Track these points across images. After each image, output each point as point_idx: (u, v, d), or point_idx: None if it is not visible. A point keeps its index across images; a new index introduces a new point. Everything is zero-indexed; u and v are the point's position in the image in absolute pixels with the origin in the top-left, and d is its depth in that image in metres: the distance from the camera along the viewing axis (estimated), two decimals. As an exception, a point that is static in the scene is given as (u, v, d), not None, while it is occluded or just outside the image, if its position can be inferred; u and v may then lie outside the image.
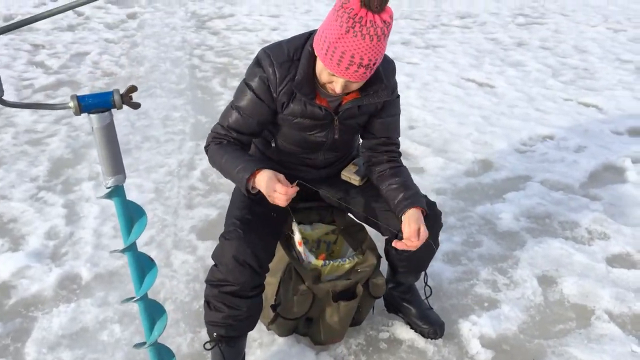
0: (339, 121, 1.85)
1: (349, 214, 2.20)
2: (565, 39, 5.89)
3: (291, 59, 1.75)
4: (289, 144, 1.95)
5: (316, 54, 1.66)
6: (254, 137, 1.92)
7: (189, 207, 3.00)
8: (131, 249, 1.40)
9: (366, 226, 2.15)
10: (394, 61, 1.91)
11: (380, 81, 1.77)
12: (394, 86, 1.88)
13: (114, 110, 1.30)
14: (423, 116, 4.10)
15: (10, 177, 3.24)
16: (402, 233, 1.81)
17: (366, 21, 1.51)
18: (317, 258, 2.03)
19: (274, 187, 1.67)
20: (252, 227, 1.84)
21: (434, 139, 3.79)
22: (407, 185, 1.91)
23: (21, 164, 3.39)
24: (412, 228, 1.77)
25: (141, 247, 2.70)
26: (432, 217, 1.96)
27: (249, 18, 6.60)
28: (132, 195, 3.08)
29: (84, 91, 4.41)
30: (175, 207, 2.99)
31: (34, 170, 3.31)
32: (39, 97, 4.27)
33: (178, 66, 5.00)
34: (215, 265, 1.81)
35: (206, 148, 1.92)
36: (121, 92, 1.29)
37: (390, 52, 5.28)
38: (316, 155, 1.99)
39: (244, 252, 1.75)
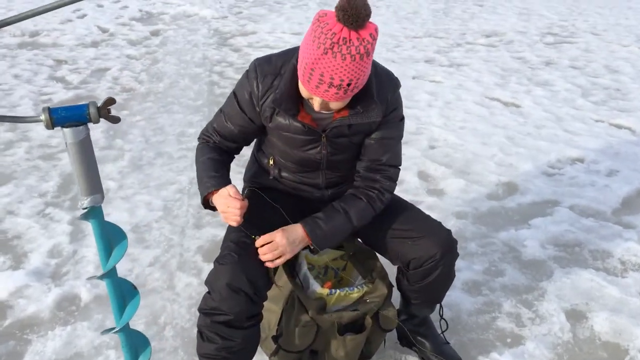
0: (327, 139, 1.73)
1: (358, 239, 2.06)
2: (596, 58, 5.68)
3: (277, 72, 1.68)
4: (287, 161, 1.84)
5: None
6: (236, 144, 1.88)
7: (197, 227, 2.89)
8: (110, 275, 1.29)
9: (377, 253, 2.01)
10: (398, 79, 1.78)
11: (371, 98, 1.64)
12: (391, 105, 1.74)
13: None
14: (444, 136, 3.95)
15: (19, 192, 3.19)
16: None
17: (339, 38, 1.39)
18: (322, 286, 1.89)
19: (227, 204, 1.65)
20: (249, 251, 1.71)
21: (456, 159, 3.63)
22: (330, 208, 1.77)
23: (32, 179, 3.34)
24: (269, 236, 1.68)
25: (144, 268, 2.62)
26: (447, 247, 1.81)
27: (271, 35, 6.56)
28: (140, 212, 2.99)
29: (102, 106, 4.37)
30: (183, 227, 2.88)
31: (44, 186, 3.25)
32: (56, 112, 4.24)
33: (197, 82, 4.95)
34: (208, 292, 1.68)
35: (198, 140, 1.92)
36: (98, 104, 1.18)
37: (413, 70, 5.18)
38: (316, 174, 1.87)
39: (238, 279, 1.62)
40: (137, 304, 1.34)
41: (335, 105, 1.57)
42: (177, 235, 2.82)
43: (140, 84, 4.93)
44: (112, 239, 1.27)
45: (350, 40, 1.40)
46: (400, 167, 1.86)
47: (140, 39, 6.27)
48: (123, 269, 2.54)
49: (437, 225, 1.86)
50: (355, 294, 1.89)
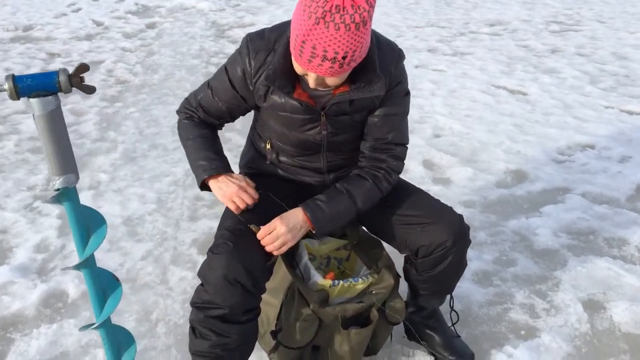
0: (326, 117, 1.59)
1: (362, 227, 1.92)
2: (603, 45, 5.53)
3: (271, 47, 1.54)
4: (285, 144, 1.71)
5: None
6: (220, 121, 1.76)
7: (192, 219, 2.75)
8: (87, 264, 1.15)
9: (382, 242, 1.87)
10: (402, 50, 1.64)
11: (373, 71, 1.50)
12: (395, 79, 1.60)
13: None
14: (450, 124, 3.80)
15: (6, 185, 3.06)
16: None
17: (332, 6, 1.25)
18: (324, 277, 1.75)
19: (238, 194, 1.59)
20: (245, 239, 1.58)
21: (462, 147, 3.49)
22: (332, 189, 1.64)
23: (20, 172, 3.21)
24: (268, 226, 1.57)
25: (136, 262, 2.48)
26: (459, 233, 1.67)
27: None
28: (132, 206, 2.86)
29: (94, 99, 4.25)
30: (177, 219, 2.75)
31: (32, 179, 3.12)
32: (48, 105, 4.11)
33: (193, 74, 4.82)
34: (201, 284, 1.55)
35: (178, 113, 1.79)
36: (70, 72, 1.05)
37: (415, 59, 5.04)
38: (317, 157, 1.73)
39: (234, 269, 1.49)
40: (119, 297, 1.20)
41: (331, 81, 1.43)
42: (171, 227, 2.69)
43: (135, 75, 4.79)
44: (89, 224, 1.14)
45: (344, 8, 1.25)
46: (407, 145, 1.73)
47: (136, 31, 6.14)
48: (113, 263, 2.41)
49: (448, 210, 1.72)
50: (360, 285, 1.76)
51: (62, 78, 1.02)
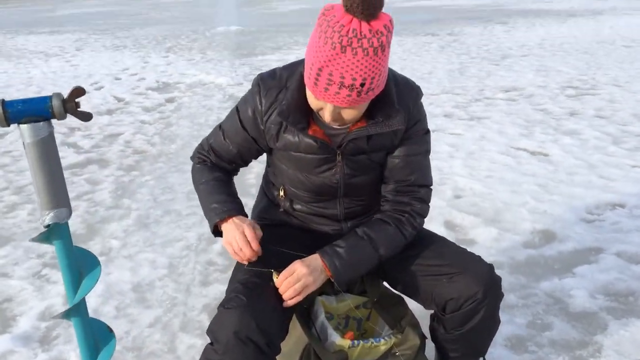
0: (343, 157, 1.50)
1: (383, 282, 1.78)
2: (623, 107, 5.46)
3: (283, 85, 1.48)
4: (299, 189, 1.61)
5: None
6: (233, 165, 1.68)
7: (203, 284, 2.62)
8: (78, 312, 1.03)
9: (406, 298, 1.73)
10: (420, 88, 1.57)
11: (391, 106, 1.43)
12: (414, 117, 1.52)
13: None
14: (470, 185, 3.69)
15: (16, 253, 2.99)
16: None
17: (348, 31, 1.19)
18: (343, 337, 1.60)
19: (238, 245, 1.50)
20: (260, 294, 1.46)
21: (484, 208, 3.36)
22: (352, 235, 1.54)
23: (29, 241, 3.13)
24: (287, 270, 1.47)
25: (143, 329, 2.32)
26: (490, 284, 1.54)
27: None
28: (143, 271, 2.76)
29: (112, 169, 4.25)
30: (189, 284, 2.62)
31: (43, 247, 3.03)
32: (65, 175, 4.11)
33: (210, 143, 4.83)
34: (210, 343, 1.41)
35: (191, 159, 1.73)
36: (64, 96, 0.98)
37: (432, 124, 4.97)
38: (333, 203, 1.62)
39: (247, 326, 1.36)
40: (112, 350, 1.07)
41: (348, 114, 1.36)
42: (182, 293, 2.56)
43: (153, 146, 4.82)
44: (81, 265, 1.03)
45: (361, 32, 1.20)
46: (431, 186, 1.63)
47: (155, 105, 6.26)
48: (119, 331, 2.27)
49: (477, 259, 1.59)
50: (383, 345, 1.60)
51: (56, 103, 0.96)
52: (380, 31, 1.22)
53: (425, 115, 1.58)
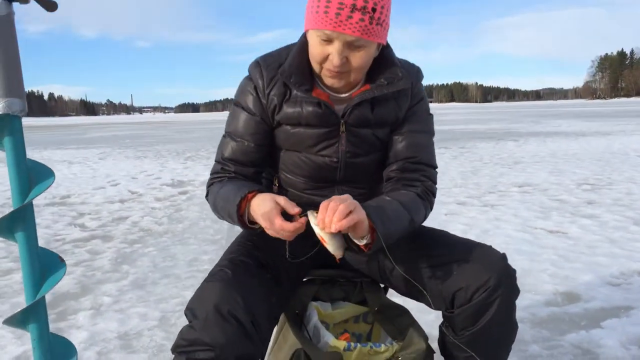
0: (346, 128, 1.42)
1: (383, 288, 1.60)
2: (641, 198, 5.33)
3: (282, 60, 1.43)
4: (295, 174, 1.50)
5: (305, 26, 1.34)
6: (255, 167, 1.50)
7: (195, 332, 2.40)
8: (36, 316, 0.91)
9: (411, 306, 1.54)
10: (420, 68, 1.53)
11: (395, 70, 1.40)
12: (416, 94, 1.48)
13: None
14: (486, 255, 3.49)
15: (2, 308, 2.82)
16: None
17: None
18: (338, 338, 1.40)
19: (273, 222, 1.22)
20: (246, 270, 1.31)
21: (502, 273, 3.14)
22: (372, 200, 1.36)
23: (20, 297, 2.98)
24: (323, 206, 1.19)
25: (124, 369, 2.11)
26: (503, 272, 1.37)
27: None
28: (131, 322, 2.58)
29: (115, 242, 4.15)
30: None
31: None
32: (66, 247, 4.02)
33: (218, 223, 4.73)
34: (189, 323, 1.24)
35: (207, 197, 1.52)
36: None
37: (444, 209, 4.90)
38: (330, 191, 1.50)
39: (229, 299, 1.20)
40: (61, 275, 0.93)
41: (356, 58, 1.30)
42: (170, 341, 2.32)
43: (159, 225, 4.74)
44: (31, 174, 0.92)
45: None
46: (437, 169, 1.52)
47: (167, 196, 6.28)
48: (96, 369, 2.04)
49: (487, 247, 1.43)
50: (384, 352, 1.40)
51: None
52: None
53: (427, 99, 1.53)
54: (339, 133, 1.43)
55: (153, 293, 2.99)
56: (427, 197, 1.45)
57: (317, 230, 1.20)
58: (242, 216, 1.32)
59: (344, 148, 1.45)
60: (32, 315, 0.93)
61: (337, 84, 1.37)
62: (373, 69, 1.40)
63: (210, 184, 1.52)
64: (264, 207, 1.25)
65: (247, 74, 1.49)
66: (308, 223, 1.22)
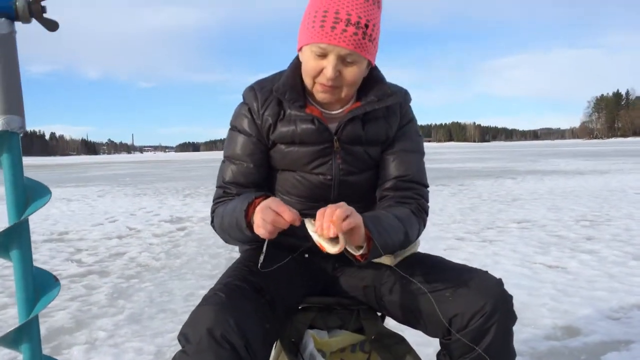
0: (340, 144, 1.46)
1: (380, 316, 1.60)
2: (640, 234, 5.33)
3: (276, 81, 1.49)
4: (290, 195, 1.53)
5: (299, 44, 1.40)
6: (258, 188, 1.51)
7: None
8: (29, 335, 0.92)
9: (408, 330, 1.53)
10: (408, 92, 1.59)
11: (385, 88, 1.47)
12: (404, 115, 1.55)
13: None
14: (485, 289, 3.47)
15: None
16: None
17: None
18: (333, 365, 1.39)
19: (269, 206, 1.20)
20: (242, 295, 1.31)
21: (501, 307, 3.11)
22: (368, 213, 1.36)
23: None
24: (319, 213, 1.18)
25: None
26: (499, 297, 1.38)
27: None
28: (126, 357, 2.53)
29: (111, 278, 4.12)
30: (174, 366, 2.37)
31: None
32: (62, 283, 3.99)
33: (216, 258, 4.73)
34: (182, 347, 1.23)
35: (212, 224, 1.54)
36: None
37: (443, 244, 4.89)
38: None
39: (223, 323, 1.20)
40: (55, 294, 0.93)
41: (349, 72, 1.35)
42: (166, 375, 2.31)
43: (157, 261, 4.72)
44: (29, 193, 0.94)
45: None
46: (429, 188, 1.54)
47: (165, 232, 6.27)
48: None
49: (483, 272, 1.44)
50: (379, 379, 1.38)
51: (20, 3, 0.94)
52: None
53: (416, 121, 1.58)
54: (333, 150, 1.47)
55: (149, 328, 2.96)
56: (421, 214, 1.49)
57: (315, 237, 1.19)
58: (249, 223, 1.29)
59: (338, 165, 1.48)
60: (25, 335, 0.93)
61: (328, 99, 1.41)
62: (363, 88, 1.47)
63: (213, 210, 1.53)
64: (264, 203, 1.23)
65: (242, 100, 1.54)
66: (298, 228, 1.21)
